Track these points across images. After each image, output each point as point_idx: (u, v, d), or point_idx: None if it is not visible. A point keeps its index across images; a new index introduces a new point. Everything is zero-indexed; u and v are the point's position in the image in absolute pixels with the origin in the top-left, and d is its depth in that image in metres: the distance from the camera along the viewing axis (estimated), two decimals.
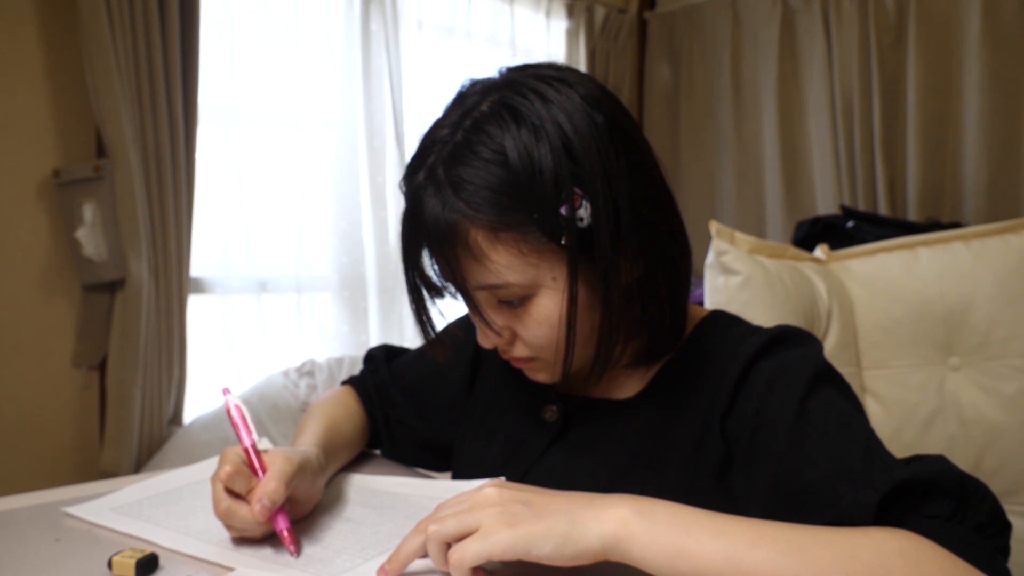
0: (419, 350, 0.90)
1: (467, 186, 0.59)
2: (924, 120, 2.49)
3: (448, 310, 0.70)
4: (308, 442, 0.73)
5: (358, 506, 0.70)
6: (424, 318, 0.67)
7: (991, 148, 2.37)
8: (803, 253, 1.42)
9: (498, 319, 0.64)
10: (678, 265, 0.67)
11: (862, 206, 2.59)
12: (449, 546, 0.51)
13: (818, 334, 1.31)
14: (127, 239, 1.80)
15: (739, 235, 1.34)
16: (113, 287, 1.86)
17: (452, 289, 0.65)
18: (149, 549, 0.57)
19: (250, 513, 0.58)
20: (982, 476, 1.31)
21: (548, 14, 2.91)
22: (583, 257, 0.60)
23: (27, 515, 0.68)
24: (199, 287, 2.03)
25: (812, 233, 2.20)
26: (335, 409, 0.84)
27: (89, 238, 1.77)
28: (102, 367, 1.89)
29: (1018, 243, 1.28)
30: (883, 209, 2.55)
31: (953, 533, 0.49)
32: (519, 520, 0.50)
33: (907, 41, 2.52)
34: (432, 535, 0.51)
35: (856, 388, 1.33)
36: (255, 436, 0.63)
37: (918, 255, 1.34)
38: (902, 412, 1.31)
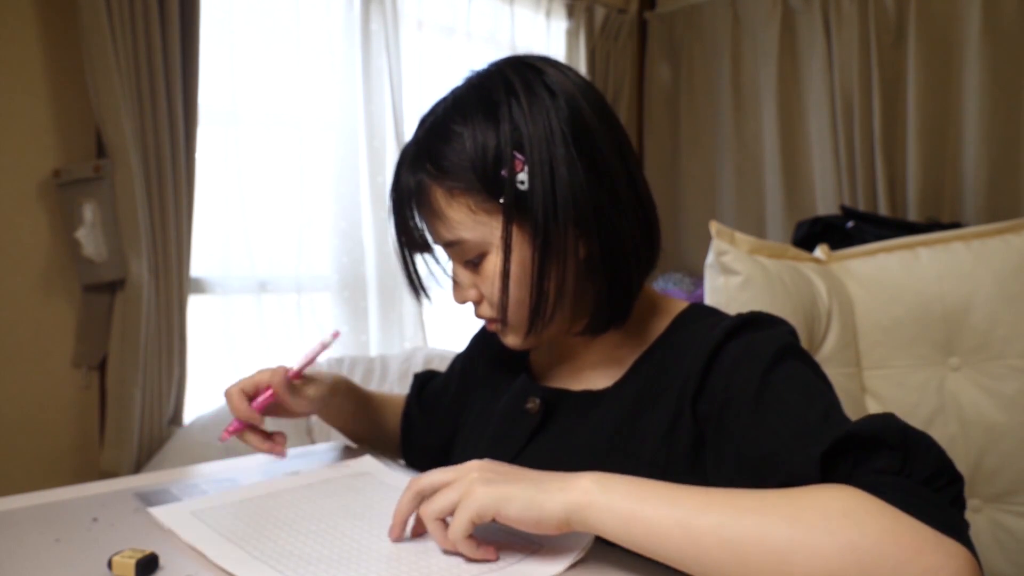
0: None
1: (434, 153, 0.69)
2: (924, 120, 2.49)
3: (435, 272, 0.80)
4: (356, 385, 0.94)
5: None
6: (409, 269, 0.77)
7: (991, 148, 2.37)
8: (803, 253, 1.42)
9: (466, 277, 0.73)
10: (626, 249, 0.70)
11: (862, 206, 2.58)
12: (445, 522, 0.57)
13: (818, 334, 1.31)
14: (127, 239, 1.80)
15: (739, 235, 1.34)
16: (113, 287, 1.85)
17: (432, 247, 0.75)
18: (149, 549, 0.57)
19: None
20: (982, 476, 1.31)
21: (548, 14, 2.91)
22: (525, 220, 0.67)
23: (27, 515, 0.68)
24: (199, 287, 2.02)
25: (812, 233, 2.20)
26: (393, 396, 1.01)
27: (89, 238, 1.76)
28: (102, 367, 1.89)
29: (1018, 243, 1.28)
30: (883, 209, 2.55)
31: (899, 487, 0.49)
32: (494, 481, 0.55)
33: (907, 41, 2.52)
34: (427, 515, 0.57)
35: (856, 388, 1.34)
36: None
37: (918, 255, 1.34)
38: (902, 412, 1.29)
